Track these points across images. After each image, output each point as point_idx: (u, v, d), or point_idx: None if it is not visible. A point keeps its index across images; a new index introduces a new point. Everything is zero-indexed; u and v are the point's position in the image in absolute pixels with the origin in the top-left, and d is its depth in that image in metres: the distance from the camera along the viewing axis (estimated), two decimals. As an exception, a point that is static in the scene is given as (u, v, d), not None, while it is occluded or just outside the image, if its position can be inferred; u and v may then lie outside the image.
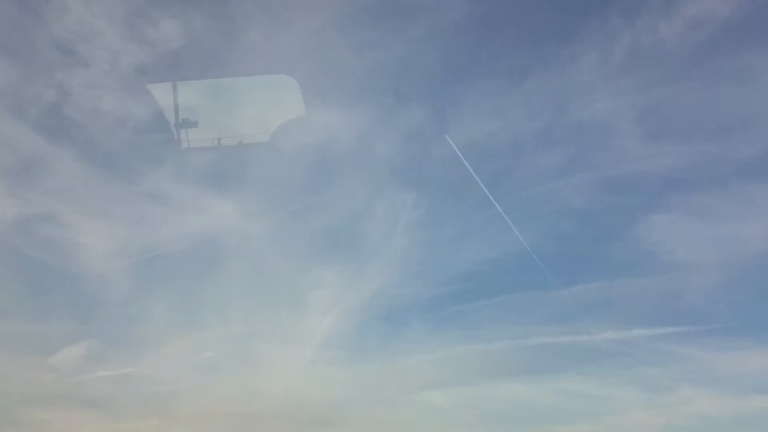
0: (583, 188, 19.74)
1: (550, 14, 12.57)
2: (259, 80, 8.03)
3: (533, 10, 12.29)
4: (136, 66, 12.98)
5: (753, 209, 15.82)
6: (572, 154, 18.18)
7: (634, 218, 18.44)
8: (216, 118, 8.20)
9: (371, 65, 13.35)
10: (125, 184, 17.85)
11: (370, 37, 12.49)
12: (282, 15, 12.01)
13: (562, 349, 21.00)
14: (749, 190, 15.51)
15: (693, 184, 15.81)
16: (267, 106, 7.74)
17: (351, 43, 12.67)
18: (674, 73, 13.04)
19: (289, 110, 7.78)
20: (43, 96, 14.03)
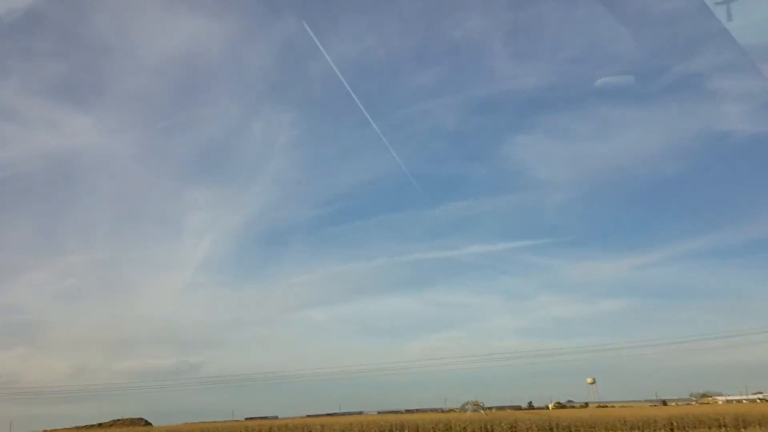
0: (454, 109, 21.00)
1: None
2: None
3: None
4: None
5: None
6: (444, 73, 19.16)
7: (501, 138, 20.30)
8: (68, 22, 7.55)
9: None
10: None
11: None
12: None
13: (434, 264, 23.65)
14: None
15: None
16: (128, 11, 7.23)
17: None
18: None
19: (153, 16, 7.32)
20: None
